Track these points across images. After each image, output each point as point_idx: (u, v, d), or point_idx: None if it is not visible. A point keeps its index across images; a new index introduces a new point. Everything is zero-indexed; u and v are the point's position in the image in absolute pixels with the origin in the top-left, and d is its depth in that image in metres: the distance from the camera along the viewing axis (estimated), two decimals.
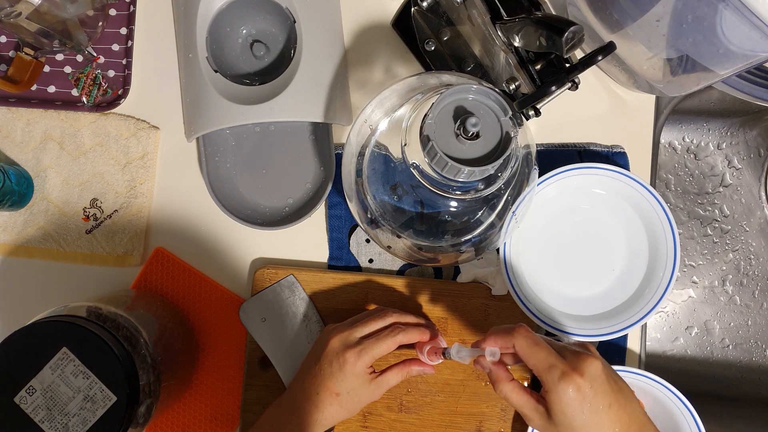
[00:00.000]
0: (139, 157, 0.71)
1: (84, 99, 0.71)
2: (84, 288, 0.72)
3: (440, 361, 0.63)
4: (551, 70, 0.53)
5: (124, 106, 0.72)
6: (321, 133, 0.70)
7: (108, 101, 0.72)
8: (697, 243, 0.93)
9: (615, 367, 0.65)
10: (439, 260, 0.62)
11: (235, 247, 0.72)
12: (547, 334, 0.70)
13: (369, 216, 0.58)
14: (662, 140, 0.92)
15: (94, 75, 0.72)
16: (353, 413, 0.61)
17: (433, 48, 0.69)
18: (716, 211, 0.93)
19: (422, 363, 0.63)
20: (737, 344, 0.92)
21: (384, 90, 0.57)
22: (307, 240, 0.72)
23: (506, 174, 0.51)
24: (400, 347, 0.62)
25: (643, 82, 0.67)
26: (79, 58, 0.72)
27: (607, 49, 0.47)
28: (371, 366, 0.60)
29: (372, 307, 0.68)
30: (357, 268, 0.72)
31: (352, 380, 0.58)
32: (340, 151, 0.70)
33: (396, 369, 0.62)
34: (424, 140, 0.48)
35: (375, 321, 0.61)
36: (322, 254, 0.72)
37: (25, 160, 0.72)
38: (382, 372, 0.61)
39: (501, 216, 0.57)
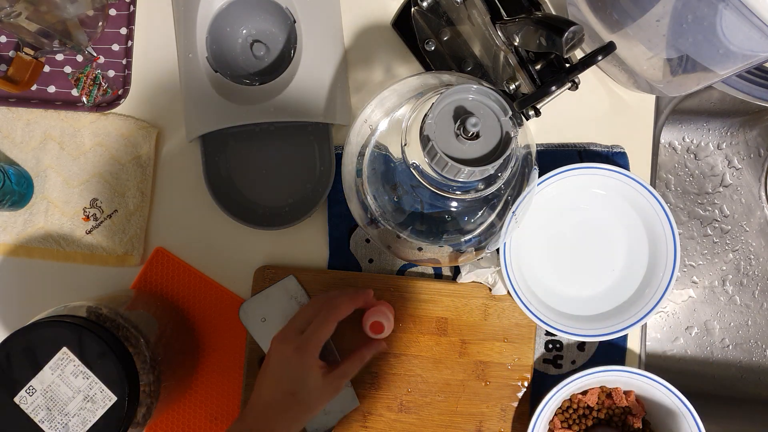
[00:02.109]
0: (139, 157, 0.71)
1: (84, 99, 0.71)
2: (84, 288, 0.72)
3: (386, 334, 0.63)
4: (551, 70, 0.53)
5: (124, 106, 0.72)
6: (321, 133, 0.70)
7: (108, 101, 0.72)
8: (697, 243, 0.93)
9: (615, 367, 0.65)
10: (439, 260, 0.62)
11: (235, 247, 0.72)
12: (547, 334, 0.71)
13: (369, 216, 0.58)
14: (662, 140, 0.92)
15: (94, 75, 0.72)
16: (317, 411, 0.58)
17: (433, 48, 0.69)
18: (716, 211, 0.93)
19: (373, 342, 0.62)
20: (737, 344, 0.92)
21: (384, 90, 0.57)
22: (307, 240, 0.72)
23: (506, 174, 0.51)
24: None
25: (643, 82, 0.67)
26: (79, 58, 0.72)
27: (607, 49, 0.47)
28: (322, 361, 0.59)
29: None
30: (357, 268, 0.72)
31: (303, 376, 0.57)
32: (340, 151, 0.70)
33: (348, 360, 0.61)
34: (424, 140, 0.48)
35: (305, 310, 0.60)
36: (322, 254, 0.72)
37: (25, 160, 0.72)
38: (335, 366, 0.60)
39: (501, 216, 0.57)
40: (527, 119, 0.52)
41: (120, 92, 0.72)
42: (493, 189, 0.52)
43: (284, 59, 0.71)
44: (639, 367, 0.71)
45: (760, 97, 0.70)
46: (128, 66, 0.72)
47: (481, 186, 0.51)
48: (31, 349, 0.53)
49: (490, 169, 0.48)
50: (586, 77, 0.65)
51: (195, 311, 0.71)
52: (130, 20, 0.72)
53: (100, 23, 0.71)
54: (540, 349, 0.71)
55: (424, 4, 0.66)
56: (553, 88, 0.49)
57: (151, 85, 0.73)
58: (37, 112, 0.72)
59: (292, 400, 0.57)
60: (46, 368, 0.53)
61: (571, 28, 0.46)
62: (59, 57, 0.72)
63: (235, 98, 0.67)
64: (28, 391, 0.52)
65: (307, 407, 0.57)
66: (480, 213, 0.57)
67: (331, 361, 0.69)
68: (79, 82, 0.72)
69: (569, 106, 0.70)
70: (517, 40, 0.53)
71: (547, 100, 0.51)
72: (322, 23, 0.70)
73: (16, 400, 0.52)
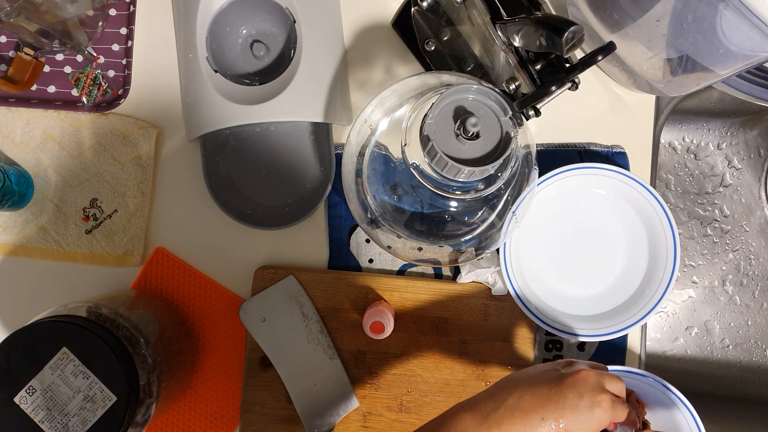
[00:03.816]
0: (139, 157, 0.71)
1: (84, 99, 0.71)
2: (84, 288, 0.72)
3: (386, 334, 0.64)
4: (551, 70, 0.53)
5: (124, 106, 0.72)
6: (321, 133, 0.70)
7: (108, 101, 0.72)
8: (697, 243, 0.93)
9: (615, 367, 0.65)
10: (439, 260, 0.62)
11: (235, 247, 0.72)
12: (547, 334, 0.71)
13: (369, 216, 0.58)
14: (662, 140, 0.92)
15: (94, 75, 0.72)
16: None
17: (433, 48, 0.69)
18: (716, 211, 0.93)
19: None
20: (737, 344, 0.92)
21: (384, 90, 0.57)
22: (307, 240, 0.72)
23: (506, 174, 0.51)
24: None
25: (643, 82, 0.67)
26: (79, 58, 0.72)
27: (607, 49, 0.47)
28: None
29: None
30: (357, 268, 0.72)
31: (588, 427, 0.49)
32: (340, 151, 0.70)
33: None
34: (424, 140, 0.48)
35: (622, 384, 0.52)
36: (322, 254, 0.72)
37: (25, 160, 0.72)
38: None
39: (501, 216, 0.57)
40: (527, 119, 0.52)
41: (120, 92, 0.72)
42: (493, 189, 0.52)
43: (284, 59, 0.71)
44: (639, 367, 0.71)
45: (760, 97, 0.70)
46: (128, 66, 0.72)
47: (481, 186, 0.52)
48: (31, 349, 0.53)
49: (490, 169, 0.48)
50: (586, 77, 0.65)
51: (195, 311, 0.71)
52: (130, 20, 0.72)
53: (100, 23, 0.71)
54: (540, 349, 0.71)
55: (424, 4, 0.66)
56: (553, 88, 0.49)
57: (151, 85, 0.73)
58: (37, 112, 0.72)
59: None
60: (46, 368, 0.53)
61: (571, 28, 0.46)
62: (59, 57, 0.72)
63: (235, 98, 0.67)
64: (28, 391, 0.52)
65: None
66: (480, 213, 0.57)
67: (330, 356, 0.69)
68: (79, 82, 0.72)
69: (569, 106, 0.70)
70: (517, 40, 0.53)
71: (547, 100, 0.51)
72: (322, 23, 0.70)
73: (16, 400, 0.52)
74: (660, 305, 0.67)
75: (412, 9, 0.69)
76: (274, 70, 0.71)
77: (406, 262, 0.71)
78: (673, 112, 0.75)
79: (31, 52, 0.69)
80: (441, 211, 0.57)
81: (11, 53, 0.72)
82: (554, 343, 0.71)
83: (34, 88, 0.72)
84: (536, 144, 0.71)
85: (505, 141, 0.49)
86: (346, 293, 0.70)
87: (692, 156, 0.93)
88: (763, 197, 0.91)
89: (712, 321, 0.92)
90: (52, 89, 0.72)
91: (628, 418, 0.53)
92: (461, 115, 0.49)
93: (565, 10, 0.69)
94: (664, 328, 0.93)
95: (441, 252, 0.60)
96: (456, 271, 0.71)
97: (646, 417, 0.68)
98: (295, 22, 0.69)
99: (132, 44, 0.72)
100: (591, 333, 0.67)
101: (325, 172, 0.70)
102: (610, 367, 0.65)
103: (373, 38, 0.73)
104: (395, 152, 0.55)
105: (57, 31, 0.67)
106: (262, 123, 0.69)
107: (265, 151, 0.70)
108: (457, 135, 0.48)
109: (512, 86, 0.54)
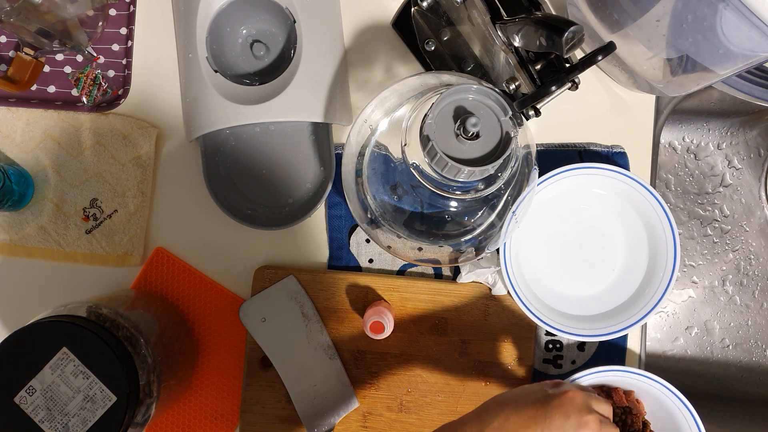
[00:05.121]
0: (139, 157, 0.71)
1: (84, 99, 0.71)
2: (84, 288, 0.72)
3: (386, 334, 0.64)
4: (551, 70, 0.53)
5: (124, 106, 0.72)
6: (321, 133, 0.70)
7: (108, 101, 0.72)
8: (697, 243, 0.93)
9: (615, 367, 0.65)
10: (439, 260, 0.62)
11: (235, 247, 0.72)
12: (547, 334, 0.71)
13: (369, 216, 0.58)
14: (662, 140, 0.92)
15: (94, 75, 0.72)
16: None
17: (433, 48, 0.69)
18: (716, 211, 0.93)
19: None
20: (737, 344, 0.92)
21: (384, 90, 0.57)
22: (307, 240, 0.72)
23: (506, 174, 0.51)
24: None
25: (643, 82, 0.67)
26: (79, 58, 0.72)
27: (607, 49, 0.47)
28: None
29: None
30: (357, 268, 0.72)
31: None
32: (340, 151, 0.70)
33: None
34: (424, 140, 0.48)
35: (609, 406, 0.53)
36: (322, 254, 0.72)
37: (25, 160, 0.72)
38: None
39: (501, 216, 0.57)
40: (527, 119, 0.52)
41: (120, 92, 0.72)
42: (493, 189, 0.52)
43: (284, 59, 0.71)
44: (639, 367, 0.71)
45: (760, 97, 0.70)
46: (128, 66, 0.72)
47: (481, 186, 0.52)
48: (31, 349, 0.53)
49: (490, 169, 0.48)
50: (586, 77, 0.65)
51: (195, 311, 0.71)
52: (130, 20, 0.72)
53: (100, 23, 0.71)
54: (540, 349, 0.71)
55: (424, 4, 0.66)
56: (553, 88, 0.49)
57: (151, 85, 0.73)
58: (37, 112, 0.72)
59: None
60: (46, 368, 0.53)
61: (571, 28, 0.46)
62: (59, 57, 0.72)
63: (235, 98, 0.67)
64: (28, 391, 0.52)
65: None
66: (480, 213, 0.57)
67: (330, 356, 0.69)
68: (79, 82, 0.71)
69: (569, 106, 0.70)
70: (517, 40, 0.53)
71: (547, 100, 0.51)
72: (322, 23, 0.70)
73: (16, 400, 0.52)
74: (660, 305, 0.67)
75: (412, 9, 0.69)
76: (274, 70, 0.71)
77: (406, 262, 0.71)
78: (673, 112, 0.75)
79: (31, 52, 0.69)
80: (441, 211, 0.57)
81: (11, 53, 0.72)
82: (554, 343, 0.71)
83: (34, 88, 0.72)
84: (536, 144, 0.71)
85: (505, 141, 0.49)
86: (346, 293, 0.70)
87: (692, 156, 0.93)
88: (763, 197, 0.91)
89: (712, 321, 0.92)
90: (52, 89, 0.72)
91: None
92: (461, 115, 0.49)
93: (565, 10, 0.69)
94: (664, 328, 0.93)
95: (441, 252, 0.60)
96: (456, 271, 0.71)
97: (646, 417, 0.68)
98: (295, 22, 0.69)
99: (132, 44, 0.72)
100: (591, 333, 0.67)
101: (325, 172, 0.70)
102: (610, 368, 0.65)
103: (373, 38, 0.73)
104: (395, 152, 0.55)
105: (57, 31, 0.67)
106: (262, 123, 0.69)
107: (265, 151, 0.70)
108: (457, 135, 0.48)
109: (512, 86, 0.54)
